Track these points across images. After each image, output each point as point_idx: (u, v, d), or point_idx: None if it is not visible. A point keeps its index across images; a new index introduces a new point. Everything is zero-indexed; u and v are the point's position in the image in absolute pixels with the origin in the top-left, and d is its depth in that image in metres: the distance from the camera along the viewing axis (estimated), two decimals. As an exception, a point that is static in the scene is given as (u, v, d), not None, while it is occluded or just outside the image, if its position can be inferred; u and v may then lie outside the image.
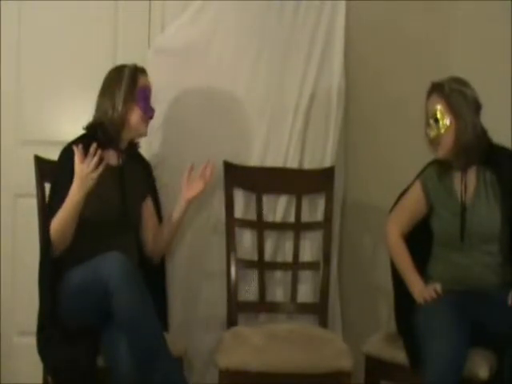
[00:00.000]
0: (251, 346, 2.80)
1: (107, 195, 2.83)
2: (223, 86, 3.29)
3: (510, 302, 2.64)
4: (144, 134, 2.96)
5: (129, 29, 3.43)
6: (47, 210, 2.81)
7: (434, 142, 2.83)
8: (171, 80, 3.25)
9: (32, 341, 2.72)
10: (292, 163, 3.31)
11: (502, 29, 3.40)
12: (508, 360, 2.59)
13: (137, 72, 2.91)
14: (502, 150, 2.86)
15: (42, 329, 2.71)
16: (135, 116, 2.89)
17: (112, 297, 2.51)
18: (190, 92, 3.27)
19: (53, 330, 2.67)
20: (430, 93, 2.85)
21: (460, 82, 2.83)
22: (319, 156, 3.33)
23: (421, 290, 2.77)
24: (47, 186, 2.94)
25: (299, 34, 3.29)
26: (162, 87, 3.13)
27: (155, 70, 3.02)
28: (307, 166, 3.33)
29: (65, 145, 2.86)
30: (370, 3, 3.46)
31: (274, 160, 3.31)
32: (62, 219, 2.70)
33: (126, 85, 2.87)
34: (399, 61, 3.48)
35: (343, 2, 3.29)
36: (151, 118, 2.95)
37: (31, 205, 2.99)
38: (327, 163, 3.31)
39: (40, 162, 2.96)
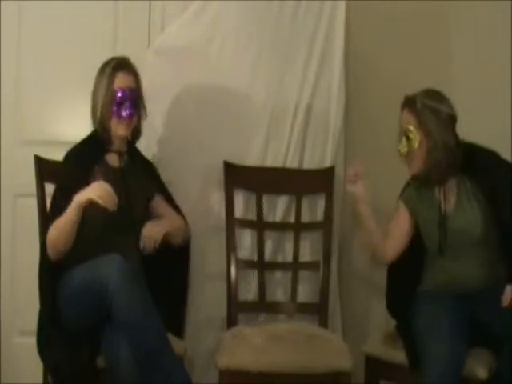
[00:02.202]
0: (251, 346, 2.80)
1: None
2: (223, 85, 3.28)
3: (504, 303, 2.63)
4: (122, 136, 2.89)
5: (129, 29, 3.43)
6: (49, 214, 2.80)
7: (405, 159, 2.84)
8: (171, 80, 3.24)
9: (32, 341, 2.73)
10: (292, 163, 3.31)
11: (502, 29, 3.40)
12: (506, 360, 2.60)
13: (115, 72, 2.83)
14: (482, 152, 2.83)
15: (42, 329, 2.71)
16: (111, 120, 2.85)
17: (111, 298, 2.51)
18: (189, 92, 3.27)
19: (53, 330, 2.67)
20: (402, 106, 2.83)
21: (433, 97, 2.79)
22: (319, 156, 3.33)
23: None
24: (47, 186, 2.95)
25: (299, 34, 3.29)
26: (162, 87, 3.12)
27: (155, 69, 3.02)
28: (307, 166, 3.33)
29: (65, 145, 2.87)
30: (369, 3, 3.46)
31: (274, 160, 3.31)
32: (58, 230, 2.69)
33: (103, 89, 2.82)
34: (399, 61, 3.48)
35: (343, 2, 3.29)
36: (128, 118, 2.85)
37: (31, 205, 2.99)
38: (327, 163, 3.31)
39: (40, 162, 2.96)
